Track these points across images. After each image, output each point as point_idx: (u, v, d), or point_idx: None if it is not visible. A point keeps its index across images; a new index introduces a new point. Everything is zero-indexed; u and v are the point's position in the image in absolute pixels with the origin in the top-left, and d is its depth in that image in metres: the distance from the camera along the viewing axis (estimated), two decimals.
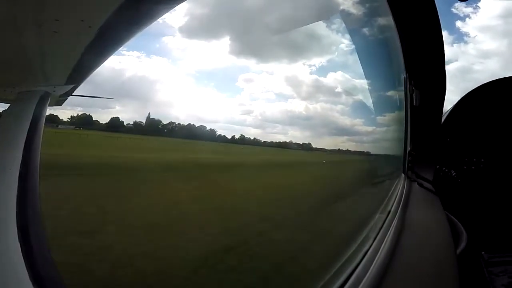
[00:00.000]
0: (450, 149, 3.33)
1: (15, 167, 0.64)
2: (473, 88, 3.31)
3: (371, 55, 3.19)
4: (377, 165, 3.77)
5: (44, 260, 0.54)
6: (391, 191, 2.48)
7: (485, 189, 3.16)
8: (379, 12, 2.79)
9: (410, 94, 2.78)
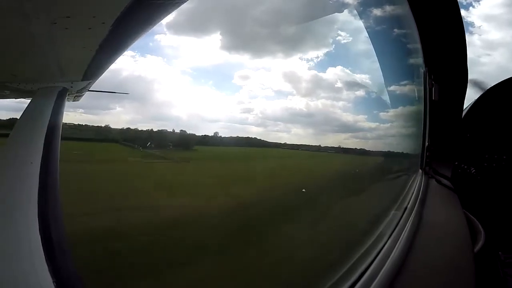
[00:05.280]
0: (470, 145, 3.21)
1: (37, 160, 0.67)
2: (494, 84, 3.18)
3: (385, 49, 3.10)
4: (393, 162, 3.71)
5: (62, 250, 0.57)
6: (407, 187, 2.43)
7: (505, 188, 3.03)
8: (395, 2, 2.70)
9: (429, 88, 2.70)
